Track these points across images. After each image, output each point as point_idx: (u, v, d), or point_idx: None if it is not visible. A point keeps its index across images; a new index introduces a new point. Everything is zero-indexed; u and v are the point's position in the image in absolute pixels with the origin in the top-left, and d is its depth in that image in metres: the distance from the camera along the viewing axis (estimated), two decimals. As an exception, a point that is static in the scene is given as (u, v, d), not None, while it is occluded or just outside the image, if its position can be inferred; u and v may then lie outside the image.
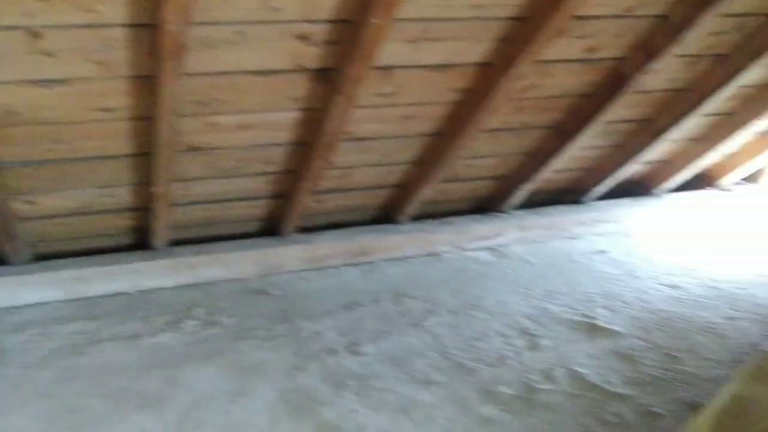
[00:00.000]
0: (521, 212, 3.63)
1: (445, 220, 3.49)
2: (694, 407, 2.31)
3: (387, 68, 2.41)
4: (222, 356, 2.55)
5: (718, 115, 3.34)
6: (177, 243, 3.07)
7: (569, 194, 3.77)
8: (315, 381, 2.43)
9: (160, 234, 2.95)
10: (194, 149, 2.60)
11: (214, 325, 2.75)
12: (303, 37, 2.19)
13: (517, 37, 2.36)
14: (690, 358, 2.65)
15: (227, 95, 2.38)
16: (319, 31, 2.18)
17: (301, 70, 2.34)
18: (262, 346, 2.63)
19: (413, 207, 3.31)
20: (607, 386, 2.46)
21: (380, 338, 2.71)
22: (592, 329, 2.83)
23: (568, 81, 2.78)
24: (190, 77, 2.22)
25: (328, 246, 3.21)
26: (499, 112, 2.82)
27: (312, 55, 2.28)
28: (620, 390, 2.45)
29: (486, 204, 3.62)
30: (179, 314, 2.80)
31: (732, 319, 2.94)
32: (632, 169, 3.60)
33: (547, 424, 2.26)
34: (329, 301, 2.97)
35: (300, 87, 2.43)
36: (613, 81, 2.77)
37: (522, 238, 3.58)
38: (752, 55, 2.77)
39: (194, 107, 2.38)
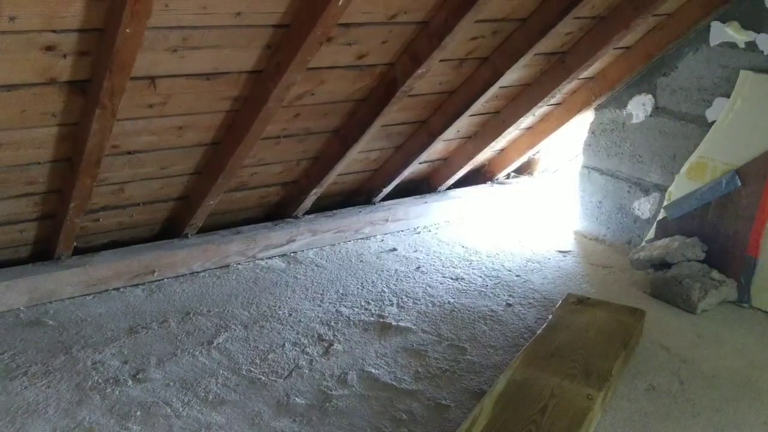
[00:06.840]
0: (313, 216, 3.63)
1: (235, 230, 3.41)
2: (478, 395, 2.43)
3: (150, 78, 2.29)
4: (-13, 401, 2.30)
5: (486, 114, 3.56)
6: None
7: (359, 195, 3.84)
8: (97, 415, 2.28)
9: None
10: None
11: (-23, 366, 2.48)
12: (50, 48, 2.02)
13: (284, 45, 2.34)
14: (474, 347, 2.78)
15: (-31, 114, 2.15)
16: (68, 41, 2.02)
17: (53, 82, 2.16)
18: (36, 384, 2.41)
19: (199, 219, 3.20)
20: (397, 384, 2.52)
21: (167, 361, 2.58)
22: (384, 328, 2.89)
23: (342, 87, 2.82)
24: None
25: (108, 267, 3.01)
26: (278, 119, 2.80)
27: (63, 67, 2.11)
28: (410, 386, 2.51)
29: (277, 210, 3.59)
30: (-67, 358, 2.50)
31: (510, 305, 3.14)
32: (415, 168, 3.73)
33: (340, 430, 2.27)
34: (111, 326, 2.79)
35: (55, 101, 2.25)
36: (386, 86, 2.85)
37: (314, 242, 3.58)
38: (510, 57, 2.96)
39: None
